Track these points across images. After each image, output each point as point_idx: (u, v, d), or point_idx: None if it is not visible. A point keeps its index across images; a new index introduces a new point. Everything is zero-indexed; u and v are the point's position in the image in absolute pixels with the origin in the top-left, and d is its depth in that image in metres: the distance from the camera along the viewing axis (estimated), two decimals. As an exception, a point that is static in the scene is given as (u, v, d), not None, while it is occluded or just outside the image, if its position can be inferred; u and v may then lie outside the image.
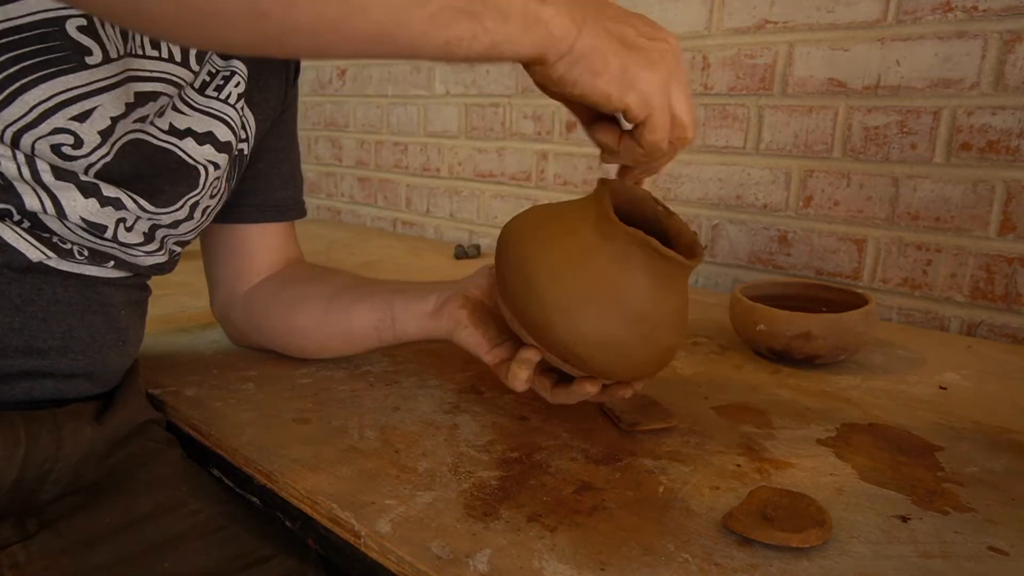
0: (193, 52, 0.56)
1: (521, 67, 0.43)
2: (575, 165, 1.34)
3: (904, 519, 0.47)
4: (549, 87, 0.44)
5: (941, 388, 0.72)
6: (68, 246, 0.53)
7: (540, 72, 0.43)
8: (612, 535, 0.44)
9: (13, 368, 0.51)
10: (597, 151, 1.31)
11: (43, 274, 0.52)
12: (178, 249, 0.64)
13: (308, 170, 1.93)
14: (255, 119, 0.67)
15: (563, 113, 1.33)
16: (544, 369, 0.58)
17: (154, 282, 0.64)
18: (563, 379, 0.57)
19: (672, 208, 0.56)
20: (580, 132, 1.30)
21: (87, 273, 0.55)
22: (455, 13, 0.37)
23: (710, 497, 0.49)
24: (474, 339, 0.60)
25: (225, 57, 0.62)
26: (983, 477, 0.53)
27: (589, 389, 0.54)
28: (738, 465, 0.54)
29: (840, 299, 0.81)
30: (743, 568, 0.42)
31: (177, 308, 0.93)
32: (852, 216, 1.03)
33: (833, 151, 1.03)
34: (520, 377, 0.55)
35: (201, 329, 0.84)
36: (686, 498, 0.49)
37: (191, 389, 0.66)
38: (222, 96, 0.61)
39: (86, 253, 0.54)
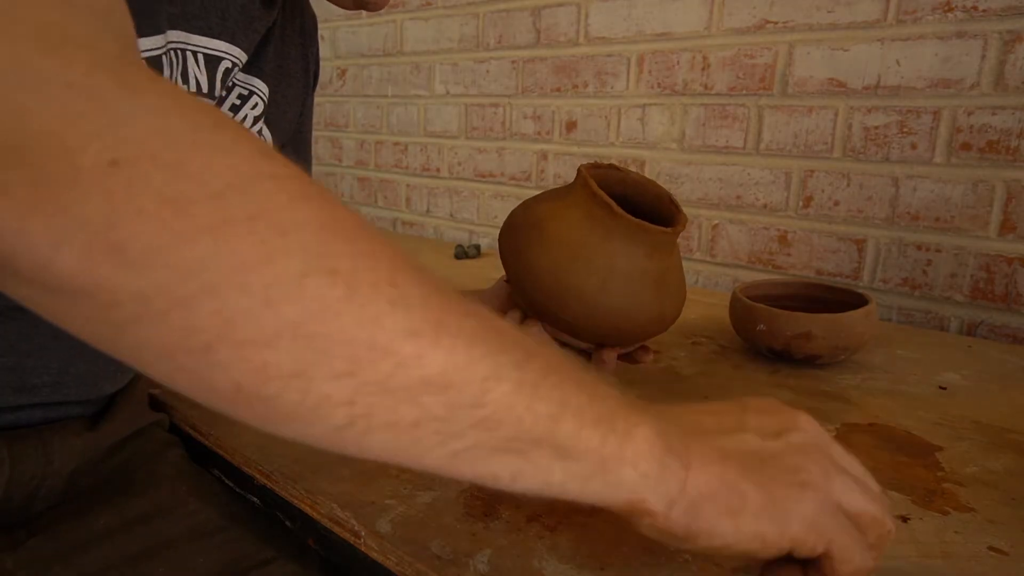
0: (219, 75, 0.52)
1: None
2: (575, 165, 1.33)
3: (904, 519, 0.47)
4: (669, 543, 0.33)
5: (941, 388, 0.72)
6: None
7: (648, 525, 0.32)
8: (612, 535, 0.44)
9: (1, 404, 0.49)
10: (596, 150, 1.30)
11: None
12: None
13: (308, 170, 1.93)
14: (273, 138, 0.64)
15: (563, 113, 1.33)
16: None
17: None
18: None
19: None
20: (579, 132, 1.30)
21: None
22: (490, 452, 0.28)
23: (710, 497, 0.49)
24: None
25: (248, 72, 0.59)
26: (983, 477, 0.53)
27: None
28: (738, 465, 0.54)
29: (840, 299, 0.81)
30: (743, 568, 0.42)
31: (177, 308, 0.93)
32: (852, 216, 1.03)
33: (833, 151, 1.03)
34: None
35: (201, 329, 0.84)
36: (686, 498, 0.49)
37: (191, 389, 0.66)
38: (237, 117, 0.58)
39: None
